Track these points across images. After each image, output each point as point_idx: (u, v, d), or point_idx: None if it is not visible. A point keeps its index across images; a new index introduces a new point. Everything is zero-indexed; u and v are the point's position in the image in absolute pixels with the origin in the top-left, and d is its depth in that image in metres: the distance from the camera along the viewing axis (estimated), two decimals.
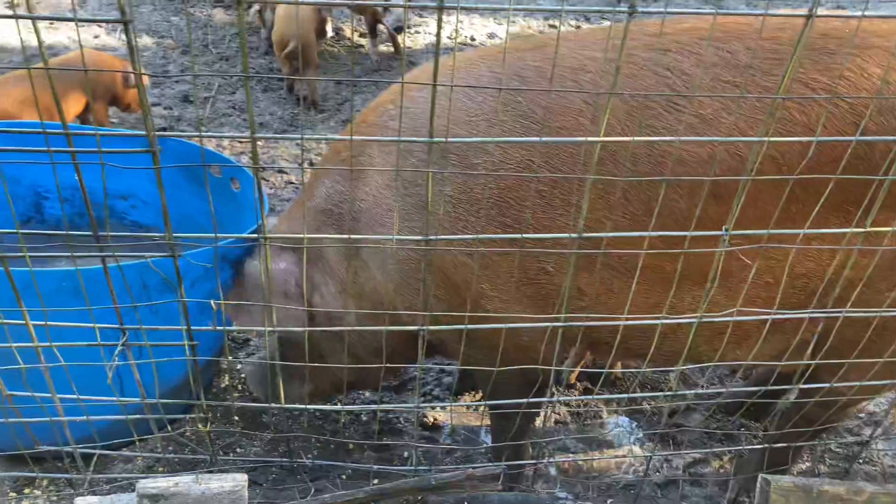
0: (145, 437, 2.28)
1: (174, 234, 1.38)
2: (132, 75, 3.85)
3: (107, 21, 1.12)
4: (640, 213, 1.69)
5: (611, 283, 1.81)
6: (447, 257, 1.85)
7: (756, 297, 1.76)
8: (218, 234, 1.38)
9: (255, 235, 1.42)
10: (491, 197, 1.76)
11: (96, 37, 5.35)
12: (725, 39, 1.66)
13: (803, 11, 1.23)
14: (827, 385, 1.77)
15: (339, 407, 1.71)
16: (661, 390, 2.82)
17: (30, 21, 1.14)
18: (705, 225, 1.62)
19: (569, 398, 2.72)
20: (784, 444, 2.09)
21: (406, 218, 1.84)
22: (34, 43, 4.95)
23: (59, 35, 5.20)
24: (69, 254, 1.37)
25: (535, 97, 1.74)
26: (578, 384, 2.82)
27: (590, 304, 1.81)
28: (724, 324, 1.74)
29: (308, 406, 1.67)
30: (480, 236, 1.52)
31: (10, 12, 1.15)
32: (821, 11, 1.21)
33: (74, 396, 1.61)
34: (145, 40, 5.26)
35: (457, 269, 1.85)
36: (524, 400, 1.82)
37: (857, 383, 1.74)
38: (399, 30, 4.70)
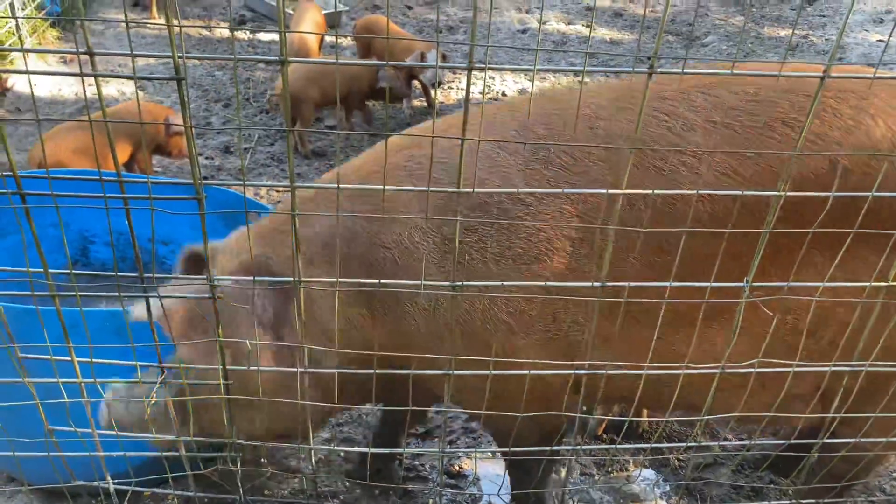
0: (178, 475, 2.34)
1: (214, 277, 1.46)
2: (172, 127, 4.02)
3: (162, 79, 1.22)
4: (650, 259, 1.76)
5: (611, 330, 1.84)
6: (488, 315, 1.84)
7: (751, 335, 1.80)
8: (255, 277, 1.46)
9: (290, 279, 1.49)
10: (530, 251, 1.80)
11: (141, 88, 5.60)
12: (711, 87, 1.82)
13: (818, 72, 1.30)
14: (851, 441, 1.76)
15: (366, 449, 1.74)
16: (687, 443, 2.81)
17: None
18: (714, 269, 1.67)
19: (593, 447, 2.72)
20: (812, 501, 2.07)
21: (445, 274, 1.82)
22: (88, 95, 5.19)
23: (109, 88, 5.45)
24: (116, 293, 1.45)
25: (563, 146, 1.83)
26: (604, 435, 2.82)
27: (600, 352, 1.83)
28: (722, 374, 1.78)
29: (336, 448, 1.71)
30: (505, 283, 1.56)
31: (65, 69, 1.25)
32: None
33: (114, 432, 1.68)
34: (190, 93, 5.48)
35: (488, 326, 1.86)
36: (548, 447, 1.84)
37: (882, 439, 1.74)
38: (434, 85, 4.87)
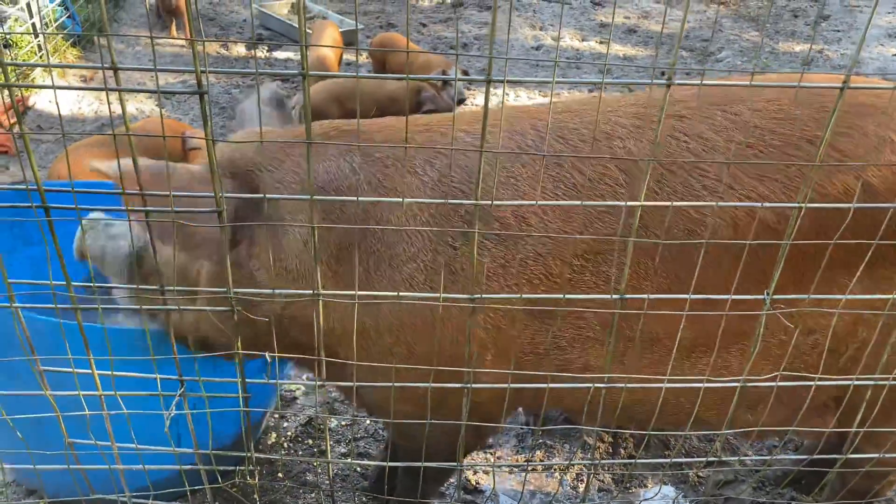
0: (196, 488, 2.34)
1: (234, 290, 1.47)
2: (192, 139, 4.06)
3: (185, 93, 1.23)
4: (667, 284, 1.73)
5: (623, 355, 1.82)
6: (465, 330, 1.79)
7: (769, 357, 1.78)
8: (275, 290, 1.46)
9: (310, 292, 1.49)
10: (525, 273, 1.76)
11: (160, 106, 5.67)
12: (728, 103, 1.77)
13: (838, 83, 1.29)
14: (874, 456, 1.74)
15: (383, 463, 1.74)
16: (707, 458, 2.78)
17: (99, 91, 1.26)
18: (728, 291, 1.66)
19: (611, 461, 2.70)
20: None
21: (431, 275, 1.77)
22: (106, 113, 5.25)
23: (128, 106, 5.52)
24: (137, 307, 1.47)
25: (573, 161, 1.78)
26: (622, 450, 2.80)
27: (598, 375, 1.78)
28: (734, 388, 1.77)
29: (354, 462, 1.71)
30: (519, 296, 1.57)
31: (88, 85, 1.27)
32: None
33: (133, 445, 1.69)
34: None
35: (472, 339, 1.79)
36: (567, 462, 1.83)
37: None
38: (460, 101, 4.90)
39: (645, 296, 1.57)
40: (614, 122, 1.82)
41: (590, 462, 1.84)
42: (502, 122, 1.86)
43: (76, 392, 1.61)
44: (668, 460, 2.09)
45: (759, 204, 1.51)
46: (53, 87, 1.23)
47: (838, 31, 7.88)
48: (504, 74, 1.31)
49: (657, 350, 1.83)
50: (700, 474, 2.73)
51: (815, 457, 2.00)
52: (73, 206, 1.33)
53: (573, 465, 1.86)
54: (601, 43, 7.48)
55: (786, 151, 1.69)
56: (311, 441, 2.85)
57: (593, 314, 1.77)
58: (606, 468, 2.68)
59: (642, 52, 7.30)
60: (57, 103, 1.20)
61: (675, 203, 1.36)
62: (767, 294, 1.56)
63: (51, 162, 4.33)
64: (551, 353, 1.82)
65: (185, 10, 6.94)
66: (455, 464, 1.78)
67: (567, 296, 1.47)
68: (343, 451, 2.78)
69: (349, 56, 6.16)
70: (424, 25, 7.69)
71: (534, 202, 1.60)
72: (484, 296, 1.37)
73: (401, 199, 1.36)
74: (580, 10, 8.50)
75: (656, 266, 1.72)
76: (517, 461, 2.74)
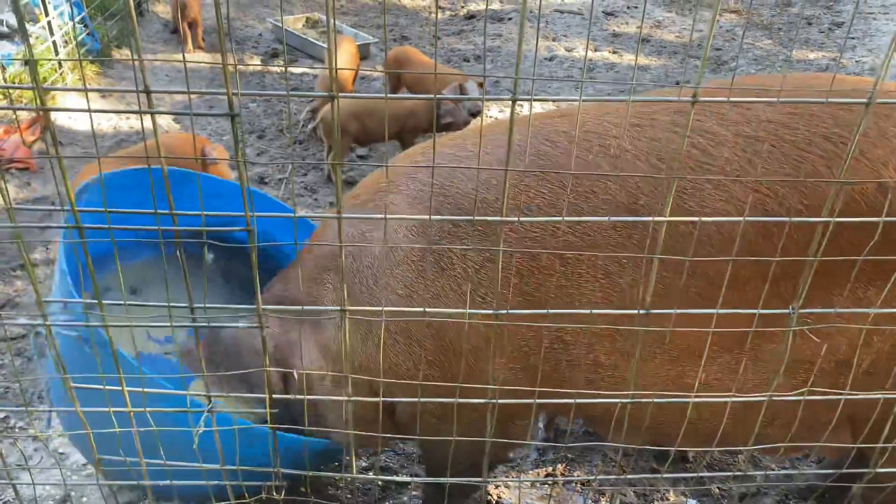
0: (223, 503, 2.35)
1: (263, 307, 1.48)
2: (211, 154, 4.10)
3: (217, 115, 1.25)
4: (668, 286, 1.72)
5: (630, 356, 1.81)
6: (457, 326, 1.80)
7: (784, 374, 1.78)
8: (304, 307, 1.48)
9: (337, 308, 1.50)
10: (514, 264, 1.76)
11: (177, 122, 5.72)
12: (741, 97, 1.73)
13: (863, 98, 1.29)
14: None
15: (407, 479, 1.74)
16: (730, 472, 2.76)
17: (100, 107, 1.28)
18: (728, 302, 1.65)
19: (635, 476, 2.69)
20: None
21: (421, 276, 1.81)
22: (124, 128, 5.31)
23: (148, 122, 5.57)
24: (168, 324, 1.48)
25: (560, 161, 1.78)
26: (644, 463, 2.78)
27: (605, 376, 1.79)
28: (754, 403, 1.75)
29: (377, 477, 1.72)
30: (548, 311, 1.57)
31: (105, 103, 1.29)
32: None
33: (161, 462, 1.70)
34: (223, 125, 5.59)
35: (466, 337, 1.81)
36: (592, 477, 1.82)
37: None
38: (475, 114, 4.95)
39: (671, 310, 1.57)
40: (607, 123, 1.80)
41: (614, 479, 1.84)
42: (512, 136, 1.87)
43: (105, 409, 1.63)
44: (692, 474, 2.08)
45: (787, 219, 1.51)
46: (89, 110, 1.26)
47: (853, 38, 7.84)
48: (532, 90, 1.32)
49: (657, 360, 1.81)
50: (723, 487, 2.72)
51: (843, 471, 1.98)
52: (107, 226, 1.35)
53: (595, 479, 1.86)
54: (614, 53, 7.49)
55: (799, 147, 1.66)
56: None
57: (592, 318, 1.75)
58: (630, 482, 2.67)
59: (656, 62, 7.30)
60: (92, 125, 1.22)
61: (704, 219, 1.35)
62: (793, 308, 1.56)
63: (71, 178, 4.38)
64: (556, 347, 1.81)
65: (200, 22, 7.02)
66: (480, 479, 1.78)
67: (593, 311, 1.48)
68: (364, 464, 2.78)
69: (364, 70, 6.20)
70: (438, 38, 7.73)
71: (560, 218, 1.60)
72: (510, 311, 1.37)
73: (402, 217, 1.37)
74: (591, 20, 8.52)
75: (660, 270, 1.70)
76: (538, 475, 2.74)
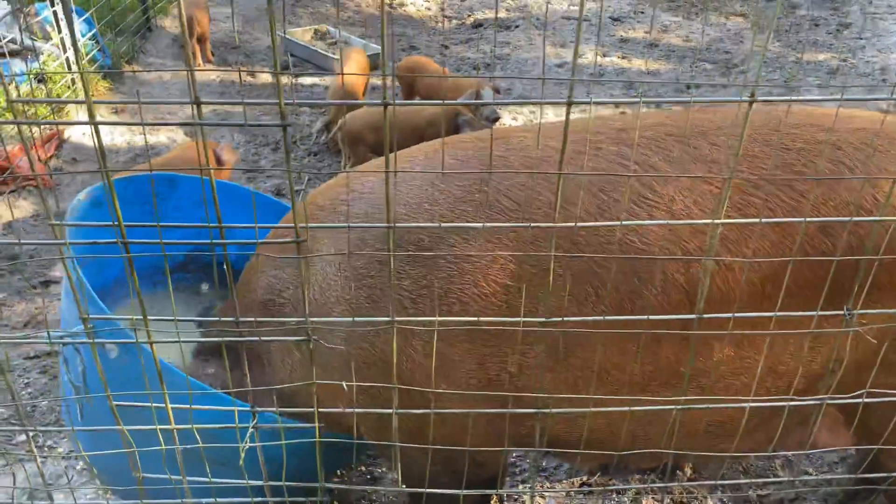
0: None
1: (312, 319, 1.46)
2: (222, 157, 4.09)
3: (269, 125, 1.24)
4: (609, 312, 1.66)
5: (576, 385, 1.75)
6: (404, 357, 1.77)
7: (736, 392, 1.75)
8: (354, 318, 1.46)
9: (387, 319, 1.49)
10: (454, 292, 1.70)
11: (189, 134, 5.73)
12: (689, 135, 1.69)
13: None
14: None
15: (422, 489, 1.72)
16: (767, 478, 2.73)
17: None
18: (672, 324, 1.61)
19: (670, 484, 2.66)
20: None
21: (357, 312, 1.78)
22: (138, 143, 5.30)
23: (159, 136, 5.58)
24: (223, 339, 1.46)
25: (500, 188, 1.72)
26: (679, 472, 2.75)
27: (553, 404, 1.71)
28: (703, 420, 1.77)
29: (427, 489, 1.69)
30: (482, 319, 1.53)
31: (115, 117, 1.28)
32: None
33: (206, 479, 1.68)
34: (238, 137, 5.58)
35: (414, 372, 1.77)
36: (635, 487, 1.80)
37: None
38: (494, 121, 4.93)
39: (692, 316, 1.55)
40: (549, 147, 1.76)
41: (647, 487, 1.81)
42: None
43: (152, 426, 1.61)
44: (729, 482, 2.06)
45: (804, 219, 1.49)
46: (142, 123, 1.24)
47: (860, 38, 7.84)
48: (534, 94, 1.30)
49: (609, 383, 1.75)
50: (760, 493, 2.68)
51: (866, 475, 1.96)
52: (159, 240, 1.33)
53: (632, 488, 1.83)
54: (623, 58, 7.49)
55: (746, 191, 1.62)
56: (363, 468, 2.83)
57: (537, 339, 1.68)
58: (666, 489, 2.64)
59: (664, 66, 7.29)
60: (146, 142, 1.21)
61: (763, 220, 1.33)
62: (847, 309, 1.53)
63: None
64: (502, 378, 1.75)
65: (208, 36, 7.03)
66: (493, 490, 1.78)
67: (652, 316, 1.45)
68: (395, 476, 2.75)
69: (375, 80, 6.20)
70: (446, 47, 7.74)
71: (618, 222, 1.58)
72: (566, 318, 1.34)
73: (480, 225, 1.35)
74: (599, 26, 8.52)
75: (598, 291, 1.65)
76: (573, 484, 2.71)
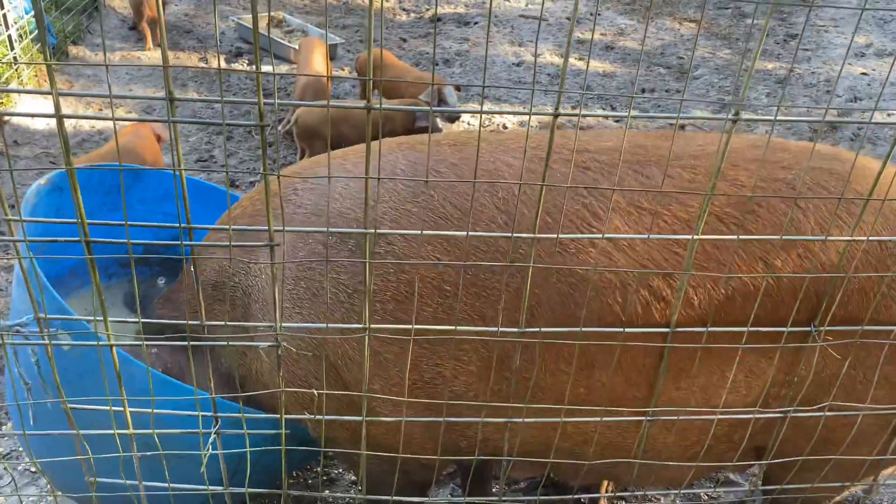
0: None
1: (283, 325, 1.42)
2: (162, 136, 4.01)
3: (248, 125, 1.19)
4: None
5: (504, 395, 1.75)
6: (339, 351, 1.77)
7: (686, 428, 1.80)
8: (328, 325, 1.42)
9: (360, 326, 1.45)
10: (389, 290, 1.70)
11: (223, 136, 5.51)
12: (645, 164, 1.70)
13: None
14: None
15: (424, 499, 1.70)
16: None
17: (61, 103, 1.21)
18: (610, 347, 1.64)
19: (690, 490, 2.69)
20: None
21: (297, 304, 1.78)
22: (84, 127, 5.10)
23: (109, 122, 5.38)
24: (185, 343, 1.41)
25: (447, 194, 1.72)
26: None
27: (488, 410, 1.70)
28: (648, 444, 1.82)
29: (397, 497, 1.66)
30: (453, 328, 1.52)
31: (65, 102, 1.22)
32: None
33: (166, 485, 1.62)
34: (189, 126, 5.43)
35: (350, 366, 1.77)
36: (641, 492, 1.80)
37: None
38: (452, 120, 5.01)
39: (694, 329, 1.56)
40: (500, 162, 1.77)
41: (665, 492, 1.82)
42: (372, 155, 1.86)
43: (109, 431, 1.54)
44: (747, 488, 2.08)
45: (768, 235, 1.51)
46: (113, 118, 1.18)
47: (807, 49, 8.07)
48: (490, 94, 1.29)
49: (540, 400, 1.75)
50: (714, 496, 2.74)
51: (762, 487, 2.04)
52: (126, 240, 1.27)
53: (645, 492, 1.84)
54: (580, 59, 7.55)
55: (690, 225, 1.63)
56: (318, 469, 2.79)
57: (471, 346, 1.69)
58: (688, 496, 2.67)
59: (621, 69, 7.38)
60: (116, 138, 1.15)
61: (785, 237, 1.34)
62: (814, 326, 1.56)
63: (31, 179, 4.20)
64: (437, 382, 1.75)
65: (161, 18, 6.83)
66: (494, 499, 1.75)
67: (628, 328, 1.46)
68: (353, 478, 2.72)
69: (336, 72, 6.11)
70: (405, 41, 7.68)
71: (601, 235, 1.58)
72: (542, 329, 1.33)
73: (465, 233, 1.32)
74: (557, 26, 8.58)
75: (534, 312, 1.65)
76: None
